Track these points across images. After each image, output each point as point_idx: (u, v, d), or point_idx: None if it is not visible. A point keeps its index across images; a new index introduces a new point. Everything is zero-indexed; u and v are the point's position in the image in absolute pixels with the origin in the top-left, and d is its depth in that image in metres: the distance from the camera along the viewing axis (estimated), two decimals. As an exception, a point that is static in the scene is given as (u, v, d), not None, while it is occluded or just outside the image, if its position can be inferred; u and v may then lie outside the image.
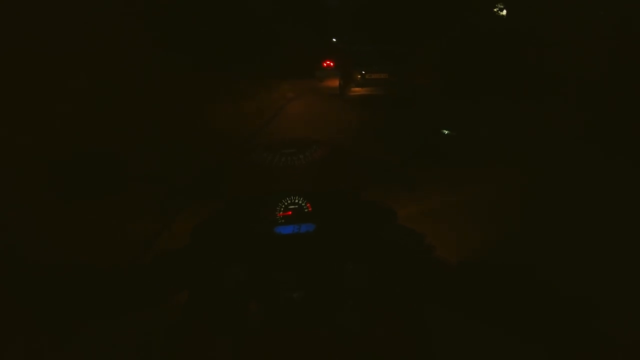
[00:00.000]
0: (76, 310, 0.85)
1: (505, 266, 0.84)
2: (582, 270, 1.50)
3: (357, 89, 8.09)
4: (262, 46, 11.78)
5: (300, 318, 0.93)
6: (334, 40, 22.74)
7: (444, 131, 1.03)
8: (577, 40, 6.13)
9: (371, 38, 13.69)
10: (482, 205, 2.14)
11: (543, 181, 2.45)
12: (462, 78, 7.70)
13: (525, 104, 5.56)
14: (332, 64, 14.16)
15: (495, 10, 9.86)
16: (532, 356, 0.79)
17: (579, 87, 5.17)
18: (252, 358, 0.89)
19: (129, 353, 1.25)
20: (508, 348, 0.94)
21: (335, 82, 10.41)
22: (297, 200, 1.10)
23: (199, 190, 1.11)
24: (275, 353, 0.89)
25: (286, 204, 1.10)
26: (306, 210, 1.09)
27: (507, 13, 9.65)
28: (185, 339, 0.91)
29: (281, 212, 1.09)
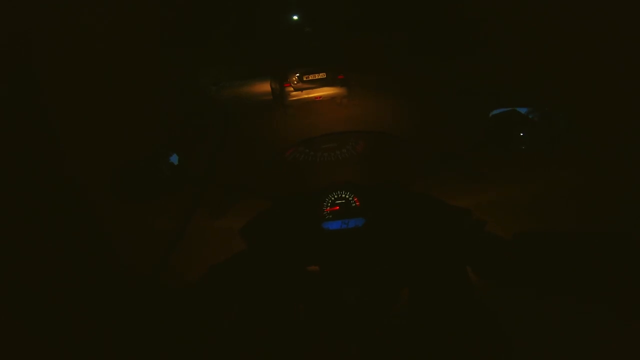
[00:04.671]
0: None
1: (568, 234, 0.77)
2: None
3: (295, 92, 7.21)
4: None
5: (353, 317, 0.89)
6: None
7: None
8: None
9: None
10: (544, 199, 1.99)
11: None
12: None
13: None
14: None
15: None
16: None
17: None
18: None
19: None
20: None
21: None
22: (344, 195, 1.07)
23: (243, 188, 1.08)
24: None
25: (333, 198, 1.06)
26: (354, 204, 1.06)
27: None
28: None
29: (328, 208, 1.06)
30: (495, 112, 0.99)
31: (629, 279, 0.72)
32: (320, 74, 7.17)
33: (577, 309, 0.86)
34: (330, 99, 7.12)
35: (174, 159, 0.87)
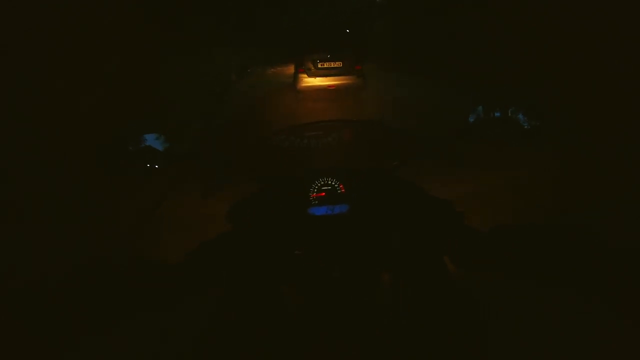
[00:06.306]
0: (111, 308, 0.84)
1: (549, 226, 0.80)
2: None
3: (309, 79, 6.88)
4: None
5: (337, 298, 0.90)
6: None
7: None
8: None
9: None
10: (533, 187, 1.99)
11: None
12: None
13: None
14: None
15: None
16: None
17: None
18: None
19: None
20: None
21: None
22: (329, 181, 1.08)
23: (231, 172, 1.10)
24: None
25: (319, 185, 1.08)
26: (339, 191, 1.08)
27: None
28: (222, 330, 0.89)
29: (314, 194, 1.07)
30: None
31: (601, 270, 0.74)
32: (337, 63, 6.89)
33: (577, 309, 0.87)
34: (344, 89, 6.80)
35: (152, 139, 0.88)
